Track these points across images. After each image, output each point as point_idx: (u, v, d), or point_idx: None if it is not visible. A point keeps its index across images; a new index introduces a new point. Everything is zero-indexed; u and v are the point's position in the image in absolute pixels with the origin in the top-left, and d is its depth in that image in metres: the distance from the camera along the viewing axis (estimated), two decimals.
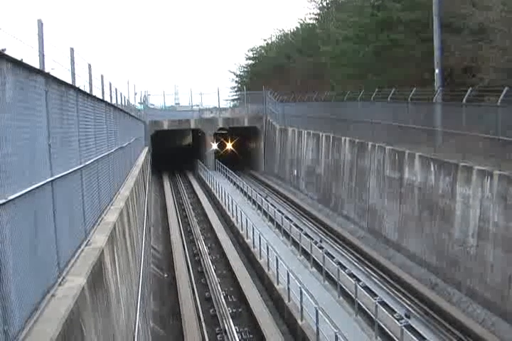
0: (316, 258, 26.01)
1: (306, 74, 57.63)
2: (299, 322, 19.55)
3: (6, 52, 5.51)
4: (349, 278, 23.07)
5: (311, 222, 36.48)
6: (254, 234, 28.85)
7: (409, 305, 21.60)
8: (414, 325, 19.29)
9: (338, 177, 36.36)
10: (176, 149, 78.66)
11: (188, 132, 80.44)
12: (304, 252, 27.69)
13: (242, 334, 20.65)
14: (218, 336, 20.80)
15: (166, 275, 27.77)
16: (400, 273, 24.64)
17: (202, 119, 63.17)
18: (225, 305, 23.09)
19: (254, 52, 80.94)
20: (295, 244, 29.34)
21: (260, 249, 27.19)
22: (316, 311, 17.58)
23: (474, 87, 23.70)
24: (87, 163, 10.22)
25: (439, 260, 23.00)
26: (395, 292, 23.08)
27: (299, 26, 68.49)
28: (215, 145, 62.10)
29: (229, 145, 68.37)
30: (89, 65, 13.29)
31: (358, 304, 20.54)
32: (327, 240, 31.41)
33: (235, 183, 49.00)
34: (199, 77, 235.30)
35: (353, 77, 41.96)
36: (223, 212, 40.22)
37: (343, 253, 28.77)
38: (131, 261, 14.91)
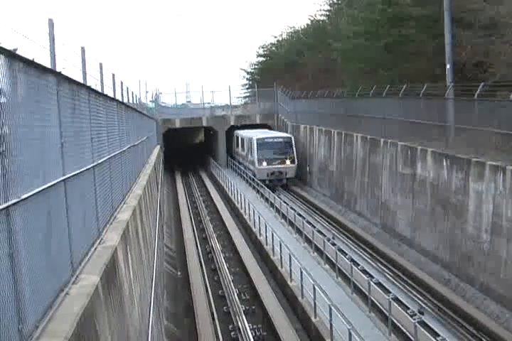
0: (328, 255, 25.98)
1: (317, 71, 57.53)
2: (313, 319, 19.55)
3: (18, 52, 5.54)
4: (362, 274, 23.02)
5: (323, 218, 36.43)
6: (267, 231, 28.85)
7: (422, 302, 21.54)
8: (427, 321, 19.24)
9: (350, 174, 36.30)
10: (188, 147, 78.72)
11: (199, 130, 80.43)
12: (317, 249, 27.65)
13: (256, 331, 20.66)
14: (232, 333, 20.82)
15: (179, 274, 27.82)
16: (413, 269, 24.58)
17: (213, 117, 63.11)
18: (238, 303, 23.13)
19: (265, 49, 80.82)
20: (308, 240, 29.30)
21: (273, 246, 27.20)
22: (330, 308, 17.57)
23: (486, 82, 23.58)
24: (99, 161, 10.26)
25: (452, 256, 22.94)
26: (408, 288, 23.03)
27: (309, 23, 68.40)
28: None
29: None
30: (101, 64, 13.34)
31: (372, 300, 20.51)
32: (339, 236, 31.37)
33: (247, 181, 48.99)
34: (210, 75, 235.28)
35: (365, 74, 41.86)
36: (236, 210, 40.22)
37: (356, 250, 28.72)
38: (144, 259, 14.94)
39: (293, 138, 48.44)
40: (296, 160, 47.08)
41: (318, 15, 64.33)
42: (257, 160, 47.16)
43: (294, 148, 47.31)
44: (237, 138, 58.08)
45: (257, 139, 48.18)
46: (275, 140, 48.39)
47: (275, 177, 46.78)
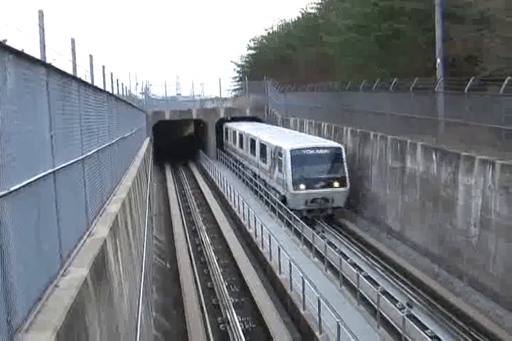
0: (318, 248, 26.03)
1: (308, 64, 57.50)
2: (302, 311, 19.59)
3: (7, 43, 5.50)
4: (351, 267, 23.08)
5: None
6: (257, 223, 28.88)
7: (411, 295, 21.63)
8: (416, 315, 19.33)
9: None
10: (177, 139, 78.52)
11: (189, 122, 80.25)
12: (306, 242, 27.68)
13: (245, 323, 20.71)
14: (221, 326, 20.86)
15: (168, 266, 27.80)
16: (402, 263, 24.67)
17: (204, 109, 63.06)
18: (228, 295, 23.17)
19: (256, 42, 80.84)
20: (297, 233, 29.32)
21: (262, 238, 27.23)
22: (318, 300, 17.61)
23: (477, 77, 23.64)
24: (89, 153, 10.22)
25: (441, 250, 23.02)
26: (398, 282, 23.11)
27: (300, 16, 68.34)
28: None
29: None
30: (91, 56, 13.26)
31: (360, 294, 20.57)
32: (329, 230, 31.39)
33: (236, 173, 48.87)
34: (200, 67, 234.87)
35: (356, 67, 41.88)
36: (225, 201, 40.15)
37: (345, 243, 28.75)
38: (133, 252, 14.93)
39: (343, 148, 33.18)
40: (348, 181, 32.30)
41: (309, 8, 64.35)
42: (291, 181, 32.36)
43: (345, 164, 32.56)
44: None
45: (292, 150, 33.08)
46: (318, 152, 33.29)
47: (317, 205, 32.32)
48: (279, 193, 34.44)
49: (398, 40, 34.96)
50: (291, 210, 30.59)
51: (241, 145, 49.35)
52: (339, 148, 32.82)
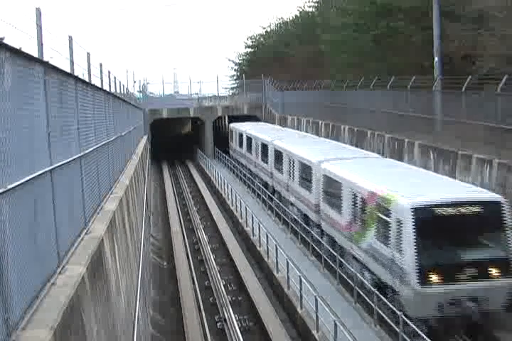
0: (315, 247, 26.01)
1: (305, 63, 57.47)
2: (299, 310, 19.59)
3: (5, 41, 5.50)
4: (349, 266, 23.03)
5: None
6: (254, 222, 28.84)
7: None
8: None
9: None
10: (175, 138, 78.49)
11: (187, 120, 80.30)
12: (304, 241, 27.67)
13: (242, 322, 20.72)
14: (218, 324, 20.86)
15: (165, 264, 27.82)
16: None
17: (201, 108, 63.04)
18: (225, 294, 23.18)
19: (254, 40, 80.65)
20: (294, 232, 29.30)
21: (259, 237, 27.21)
22: (316, 299, 17.62)
23: (474, 75, 23.65)
24: (86, 151, 10.22)
25: None
26: None
27: (298, 14, 68.30)
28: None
29: None
30: (88, 54, 13.26)
31: (357, 292, 20.55)
32: None
33: (234, 172, 48.73)
34: (198, 65, 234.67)
35: (353, 65, 41.87)
36: (222, 200, 40.11)
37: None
38: (130, 250, 14.94)
39: (505, 203, 17.63)
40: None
41: (306, 7, 64.34)
42: (415, 269, 16.91)
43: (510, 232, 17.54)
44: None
45: (417, 210, 17.30)
46: (462, 211, 17.59)
47: (461, 311, 16.92)
48: (393, 288, 17.96)
49: (395, 38, 34.94)
50: (408, 317, 16.29)
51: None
52: (499, 204, 17.58)
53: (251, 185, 40.85)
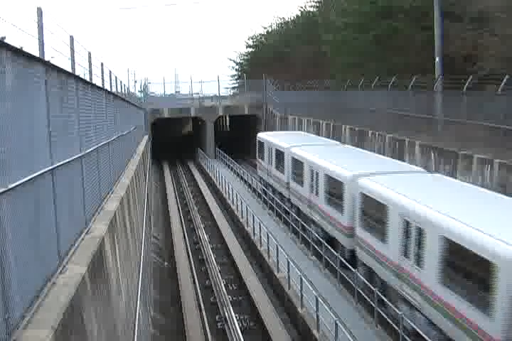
0: (315, 246, 26.00)
1: (306, 63, 57.49)
2: (299, 309, 19.58)
3: (6, 41, 5.50)
4: (348, 265, 23.02)
5: None
6: (255, 222, 28.82)
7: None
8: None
9: None
10: (176, 137, 78.57)
11: (188, 120, 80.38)
12: (304, 240, 27.67)
13: (243, 322, 20.71)
14: (219, 324, 20.85)
15: (166, 264, 27.81)
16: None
17: (202, 107, 63.02)
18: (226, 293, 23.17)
19: (255, 40, 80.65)
20: (295, 231, 29.29)
21: (260, 236, 27.19)
22: (316, 299, 17.61)
23: (475, 76, 23.65)
24: (87, 151, 10.22)
25: None
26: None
27: (299, 14, 68.29)
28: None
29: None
30: (89, 53, 13.25)
31: (358, 292, 20.54)
32: None
33: (235, 171, 48.72)
34: (199, 65, 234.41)
35: (354, 66, 41.86)
36: (223, 200, 40.11)
37: None
38: (131, 250, 14.93)
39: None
40: None
41: (308, 7, 64.34)
42: None
43: None
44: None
45: None
46: None
47: None
48: None
49: (396, 39, 34.94)
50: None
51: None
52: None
53: (250, 183, 40.66)
